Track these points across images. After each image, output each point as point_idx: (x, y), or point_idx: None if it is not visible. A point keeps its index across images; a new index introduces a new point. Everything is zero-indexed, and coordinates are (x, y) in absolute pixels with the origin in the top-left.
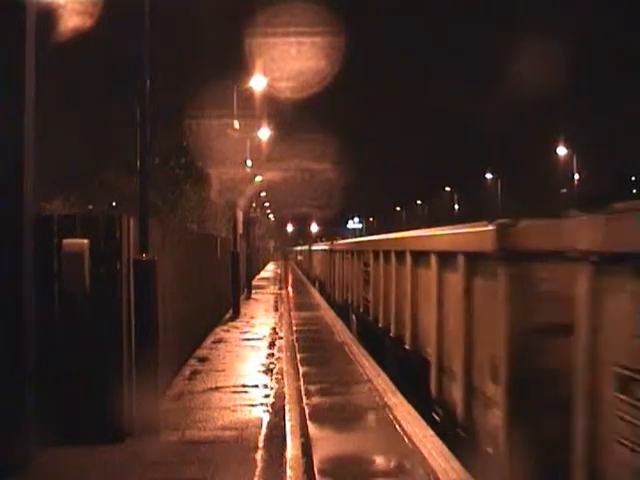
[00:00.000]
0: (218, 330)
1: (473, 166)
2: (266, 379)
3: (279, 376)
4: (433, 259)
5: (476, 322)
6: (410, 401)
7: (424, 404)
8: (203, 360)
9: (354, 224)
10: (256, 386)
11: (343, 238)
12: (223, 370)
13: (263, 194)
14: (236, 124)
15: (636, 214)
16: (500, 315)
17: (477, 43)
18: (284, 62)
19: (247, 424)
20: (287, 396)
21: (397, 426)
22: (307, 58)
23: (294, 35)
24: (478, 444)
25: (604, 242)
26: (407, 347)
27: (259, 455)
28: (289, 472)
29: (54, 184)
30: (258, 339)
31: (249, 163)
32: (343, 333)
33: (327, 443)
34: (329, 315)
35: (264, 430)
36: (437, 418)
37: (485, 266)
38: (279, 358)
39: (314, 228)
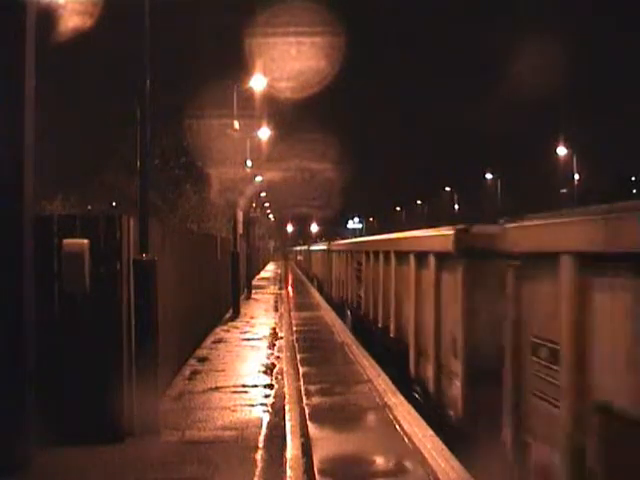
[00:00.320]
0: (218, 330)
1: (473, 166)
2: (266, 379)
3: (279, 376)
4: (412, 258)
5: (443, 309)
6: (394, 382)
7: (406, 385)
8: (203, 360)
9: (354, 224)
10: (256, 386)
11: (343, 238)
12: (223, 370)
13: (263, 194)
14: (236, 124)
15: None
16: (458, 301)
17: (477, 43)
18: (284, 62)
19: (247, 424)
20: (287, 396)
21: (397, 426)
22: (307, 58)
23: (294, 35)
24: (444, 410)
25: (516, 244)
26: (392, 335)
27: (259, 455)
28: (289, 472)
29: (54, 184)
30: (258, 339)
31: (249, 163)
32: (343, 333)
33: (327, 443)
34: (329, 315)
35: (264, 430)
36: (416, 395)
37: (448, 263)
38: (279, 358)
39: (314, 228)
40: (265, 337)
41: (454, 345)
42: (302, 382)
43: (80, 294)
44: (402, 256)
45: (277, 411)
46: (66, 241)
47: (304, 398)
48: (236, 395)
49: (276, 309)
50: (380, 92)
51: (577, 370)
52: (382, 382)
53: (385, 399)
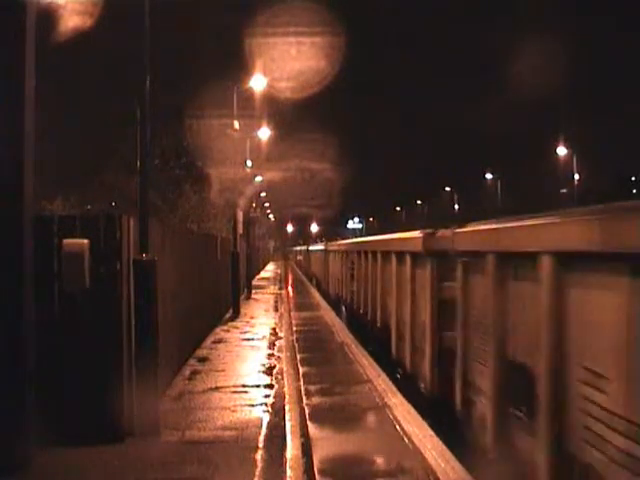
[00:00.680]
0: (218, 330)
1: (473, 166)
2: (266, 379)
3: (279, 376)
4: (393, 257)
5: (417, 300)
6: (381, 366)
7: (391, 368)
8: (203, 360)
9: (354, 224)
10: (256, 386)
11: (343, 238)
12: (223, 370)
13: (263, 194)
14: (236, 124)
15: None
16: (426, 293)
17: (477, 43)
18: (284, 62)
19: (247, 424)
20: (287, 396)
21: (397, 426)
22: (307, 58)
23: (294, 35)
24: (417, 384)
25: (460, 245)
26: (378, 325)
27: (259, 455)
28: (289, 472)
29: (54, 184)
30: (258, 339)
31: (249, 163)
32: (342, 333)
33: (327, 443)
34: (329, 315)
35: (264, 430)
36: (398, 375)
37: (420, 261)
38: (279, 358)
39: (314, 228)
40: (265, 337)
41: (424, 329)
42: (302, 382)
43: (80, 294)
44: (386, 256)
45: (277, 411)
46: (66, 241)
47: (304, 398)
48: (236, 395)
49: (276, 309)
50: (380, 92)
51: (497, 338)
52: (382, 382)
53: (385, 399)
